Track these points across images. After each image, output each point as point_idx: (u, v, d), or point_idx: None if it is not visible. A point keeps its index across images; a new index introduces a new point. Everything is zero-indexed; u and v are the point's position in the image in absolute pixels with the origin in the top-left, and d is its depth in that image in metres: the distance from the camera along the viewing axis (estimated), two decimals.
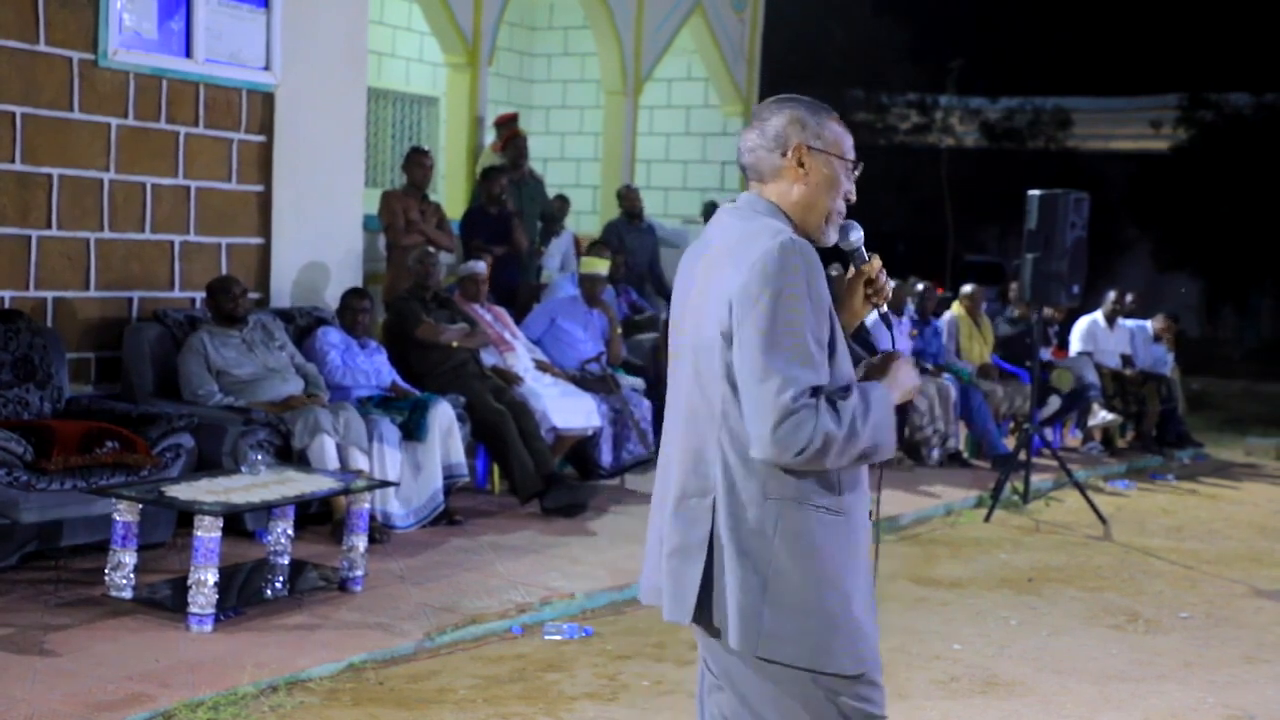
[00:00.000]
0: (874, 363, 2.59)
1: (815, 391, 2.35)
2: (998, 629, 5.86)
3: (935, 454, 10.05)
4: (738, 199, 2.58)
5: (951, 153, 27.04)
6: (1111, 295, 12.04)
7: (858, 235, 2.64)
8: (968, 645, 5.60)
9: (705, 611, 2.46)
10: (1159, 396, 11.80)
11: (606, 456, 8.11)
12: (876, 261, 2.69)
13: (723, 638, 2.45)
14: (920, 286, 11.08)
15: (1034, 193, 8.60)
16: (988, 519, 8.35)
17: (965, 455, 10.39)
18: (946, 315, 11.19)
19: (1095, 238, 8.84)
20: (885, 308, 2.76)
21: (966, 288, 11.45)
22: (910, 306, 10.94)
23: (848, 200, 2.60)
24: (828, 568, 2.41)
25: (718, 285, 2.43)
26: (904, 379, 2.55)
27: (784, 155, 2.53)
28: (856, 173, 2.60)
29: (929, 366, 10.55)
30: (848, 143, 2.58)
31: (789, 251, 2.38)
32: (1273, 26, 26.21)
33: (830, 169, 2.54)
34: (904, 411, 9.97)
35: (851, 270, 2.72)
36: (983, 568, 7.04)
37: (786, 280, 2.36)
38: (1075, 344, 11.92)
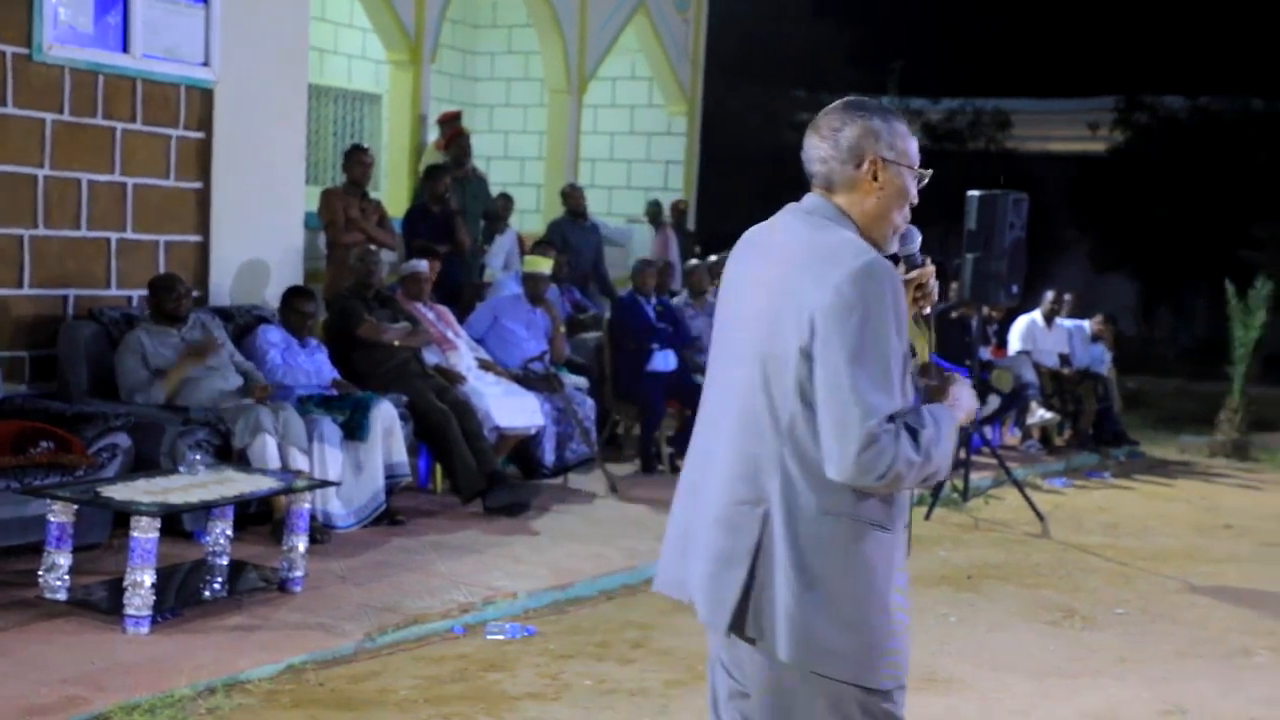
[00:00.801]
0: (935, 385, 2.61)
1: (892, 417, 2.36)
2: (937, 626, 5.91)
3: None
4: (804, 201, 2.57)
5: None
6: (1050, 295, 12.18)
7: (917, 241, 2.67)
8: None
9: (741, 618, 2.44)
10: (1096, 395, 11.96)
11: (549, 456, 8.10)
12: (930, 268, 2.70)
13: (762, 646, 2.43)
14: None
15: (973, 193, 8.69)
16: (928, 517, 8.42)
17: None
18: None
19: (1034, 238, 8.94)
20: (928, 309, 2.78)
21: None
22: None
23: (911, 206, 2.60)
24: (876, 583, 2.42)
25: (798, 298, 2.40)
26: (966, 402, 2.59)
27: (858, 167, 2.51)
28: (924, 181, 2.60)
29: None
30: (915, 150, 2.57)
31: (877, 273, 2.37)
32: (1207, 31, 26.64)
33: (901, 179, 2.54)
34: None
35: (903, 273, 2.68)
36: (922, 565, 7.09)
37: (874, 303, 2.35)
38: (1014, 343, 12.05)
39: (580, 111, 13.36)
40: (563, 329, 8.95)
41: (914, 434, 2.37)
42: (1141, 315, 26.30)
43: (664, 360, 9.09)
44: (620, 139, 14.99)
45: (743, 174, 23.24)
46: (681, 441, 9.15)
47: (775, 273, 2.47)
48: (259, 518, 6.46)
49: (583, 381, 8.80)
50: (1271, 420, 14.43)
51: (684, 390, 9.09)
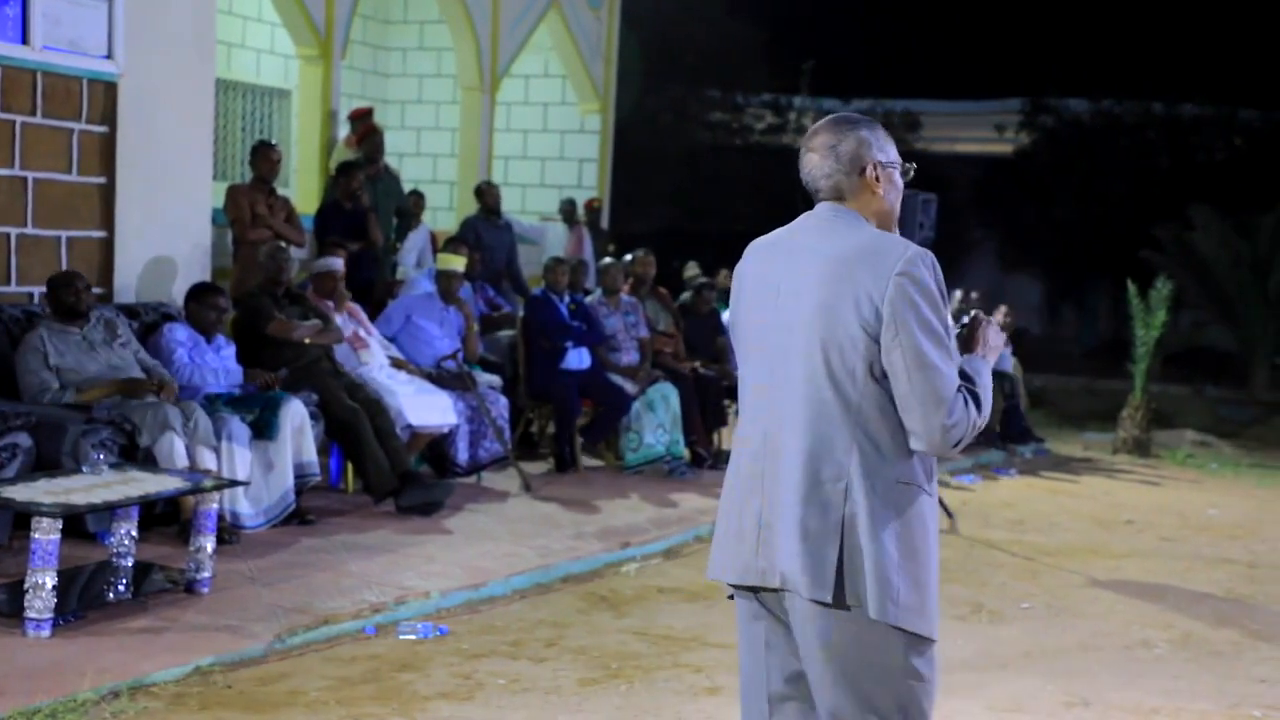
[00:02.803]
0: (962, 333, 2.86)
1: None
2: None
3: None
4: (821, 211, 2.82)
5: None
6: (958, 294, 12.36)
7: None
8: None
9: (841, 589, 2.66)
10: (1002, 393, 12.17)
11: (463, 454, 8.06)
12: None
13: (855, 610, 2.65)
14: None
15: None
16: None
17: None
18: None
19: (943, 238, 9.06)
20: None
21: None
22: None
23: None
24: (930, 543, 2.72)
25: (856, 289, 2.65)
26: (993, 340, 2.87)
27: (861, 175, 2.79)
28: (910, 175, 2.90)
29: None
30: (895, 149, 2.86)
31: (927, 259, 2.67)
32: (1109, 36, 27.21)
33: (895, 178, 2.84)
34: None
35: None
36: None
37: (931, 285, 2.65)
38: None
39: (493, 109, 13.31)
40: (476, 327, 8.91)
41: (974, 396, 2.71)
42: (1047, 314, 26.82)
43: (578, 358, 9.09)
44: (534, 137, 14.96)
45: (656, 173, 23.29)
46: (591, 433, 9.16)
47: (824, 271, 2.71)
48: (165, 518, 6.36)
49: (496, 380, 8.77)
50: (1172, 418, 14.80)
51: (597, 388, 9.10)
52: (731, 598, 2.89)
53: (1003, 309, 13.09)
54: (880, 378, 2.66)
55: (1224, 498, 10.63)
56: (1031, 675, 5.38)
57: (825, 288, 2.69)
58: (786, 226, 2.89)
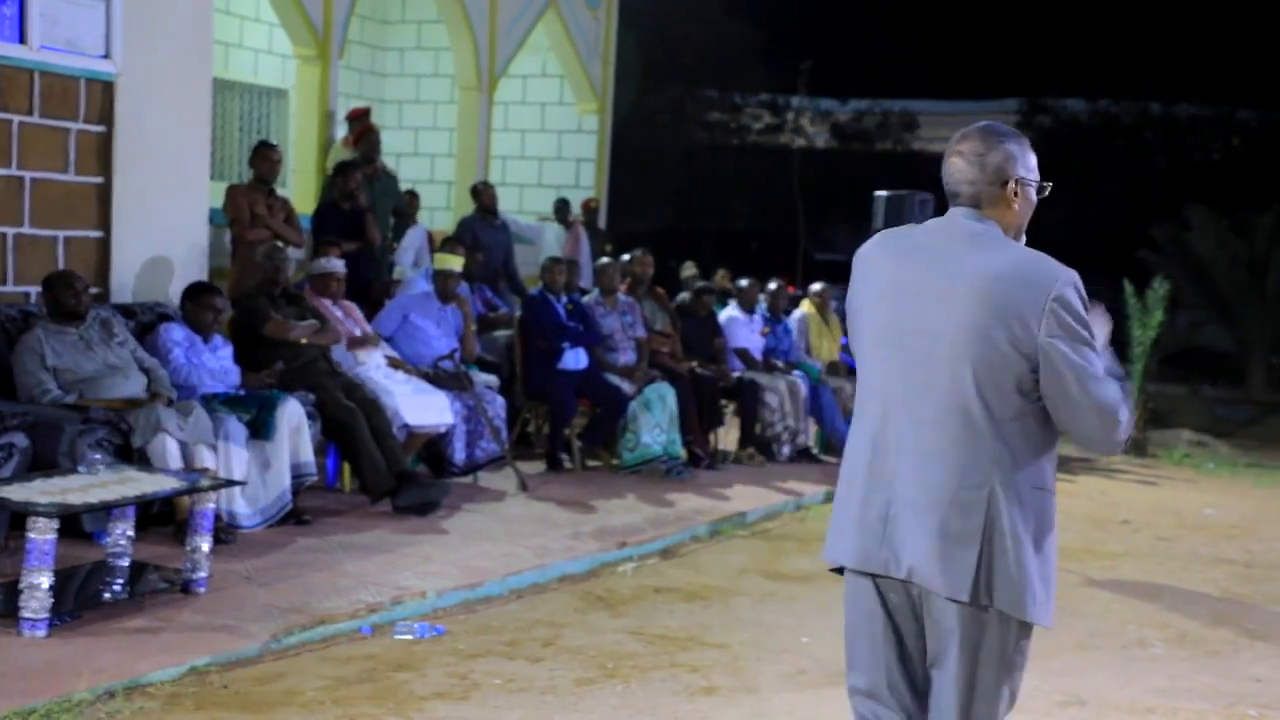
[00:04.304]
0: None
1: None
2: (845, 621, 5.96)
3: (786, 450, 10.20)
4: (959, 217, 2.92)
5: (803, 153, 27.49)
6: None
7: None
8: (816, 638, 5.70)
9: (978, 588, 2.82)
10: None
11: (459, 454, 8.06)
12: None
13: (990, 608, 2.82)
14: (772, 285, 11.24)
15: (880, 193, 8.79)
16: None
17: (815, 451, 10.57)
18: (797, 313, 11.37)
19: None
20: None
21: (815, 286, 11.66)
22: (762, 305, 11.09)
23: None
24: (1055, 541, 2.90)
25: (1012, 307, 2.77)
26: (1103, 329, 2.96)
27: (1003, 187, 2.90)
28: (1046, 192, 2.98)
29: (780, 364, 10.71)
30: (1036, 163, 2.96)
31: (1077, 280, 2.80)
32: (1106, 37, 27.22)
33: (1030, 193, 2.94)
34: (755, 408, 10.11)
35: None
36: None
37: (1081, 304, 2.79)
38: None
39: (491, 109, 13.31)
40: (473, 327, 8.91)
41: (1120, 390, 2.85)
42: None
43: (574, 359, 9.09)
44: (531, 137, 14.96)
45: (654, 173, 23.30)
46: (590, 437, 9.17)
47: (977, 285, 2.80)
48: (162, 518, 6.35)
49: (493, 380, 8.76)
50: (1168, 417, 14.80)
51: (594, 388, 9.10)
52: (840, 571, 3.06)
53: None
54: (1026, 392, 2.81)
55: (1221, 497, 10.64)
56: (1028, 674, 5.36)
57: (979, 304, 2.79)
58: (921, 226, 3.00)
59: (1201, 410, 16.57)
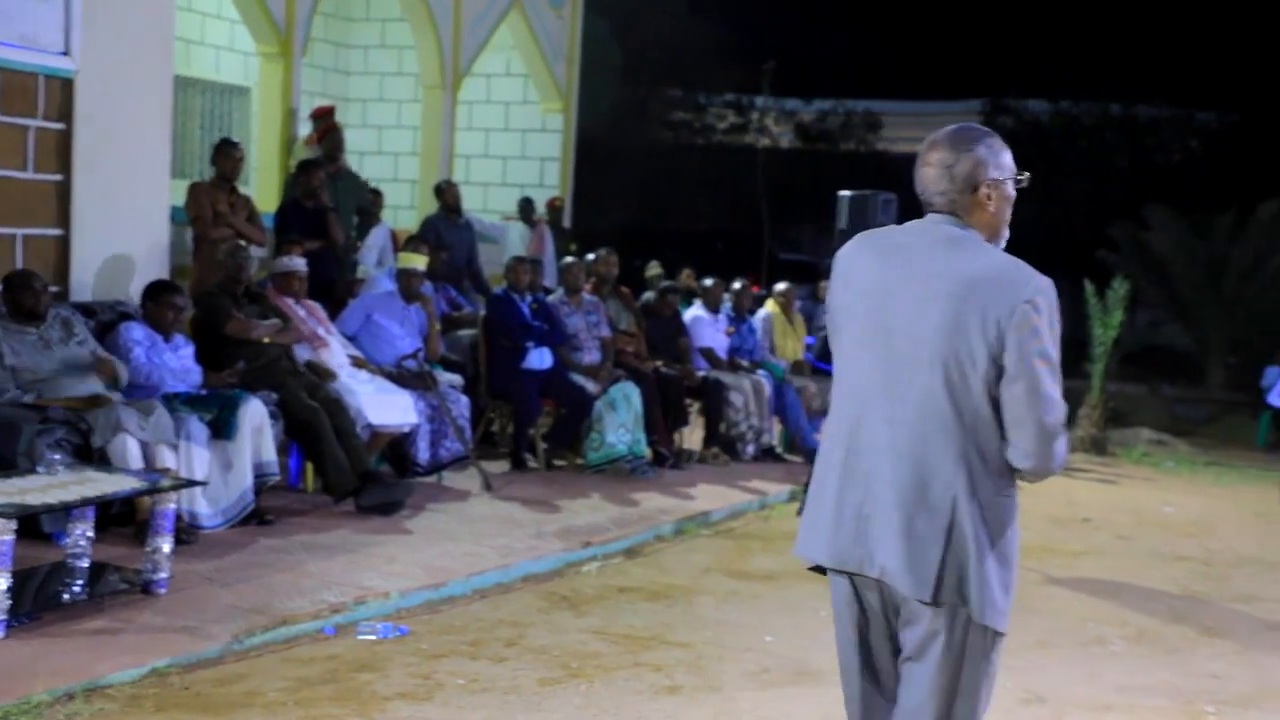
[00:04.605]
0: None
1: None
2: (809, 620, 5.99)
3: (750, 449, 10.23)
4: (937, 222, 2.94)
5: (767, 153, 27.56)
6: None
7: (1003, 243, 3.05)
8: (780, 636, 5.72)
9: (939, 589, 2.85)
10: None
11: (423, 454, 8.04)
12: None
13: (951, 609, 2.85)
14: (737, 285, 11.26)
15: (844, 193, 8.83)
16: (800, 512, 8.52)
17: (779, 450, 10.60)
18: (761, 313, 11.40)
19: None
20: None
21: (780, 286, 11.69)
22: (727, 304, 11.11)
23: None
24: (1017, 546, 2.93)
25: (982, 313, 2.79)
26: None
27: (975, 193, 2.92)
28: (1023, 182, 3.00)
29: (744, 363, 10.74)
30: (1011, 158, 2.97)
31: (1050, 290, 2.82)
32: (1067, 38, 27.42)
33: (1006, 189, 2.96)
34: (719, 407, 10.13)
35: None
36: (794, 560, 7.18)
37: (1053, 316, 2.82)
38: None
39: (455, 107, 13.27)
40: (438, 326, 8.88)
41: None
42: None
43: (539, 358, 9.08)
44: (495, 135, 14.93)
45: (618, 172, 23.29)
46: (555, 437, 9.16)
47: (953, 290, 2.83)
48: (122, 518, 6.31)
49: (457, 379, 8.74)
50: (1128, 416, 14.94)
51: (559, 388, 9.10)
52: (822, 572, 3.09)
53: None
54: (993, 396, 2.82)
55: (1179, 495, 10.75)
56: None
57: (953, 307, 2.82)
58: (901, 228, 3.01)
59: (1161, 409, 16.73)
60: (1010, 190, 2.96)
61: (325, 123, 10.38)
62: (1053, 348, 2.81)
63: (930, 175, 2.94)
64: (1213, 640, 6.16)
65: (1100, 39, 26.91)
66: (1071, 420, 13.17)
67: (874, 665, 3.05)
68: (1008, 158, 2.96)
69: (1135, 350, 16.90)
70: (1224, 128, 26.20)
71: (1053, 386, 2.80)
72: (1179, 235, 18.99)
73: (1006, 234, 3.01)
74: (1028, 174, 3.00)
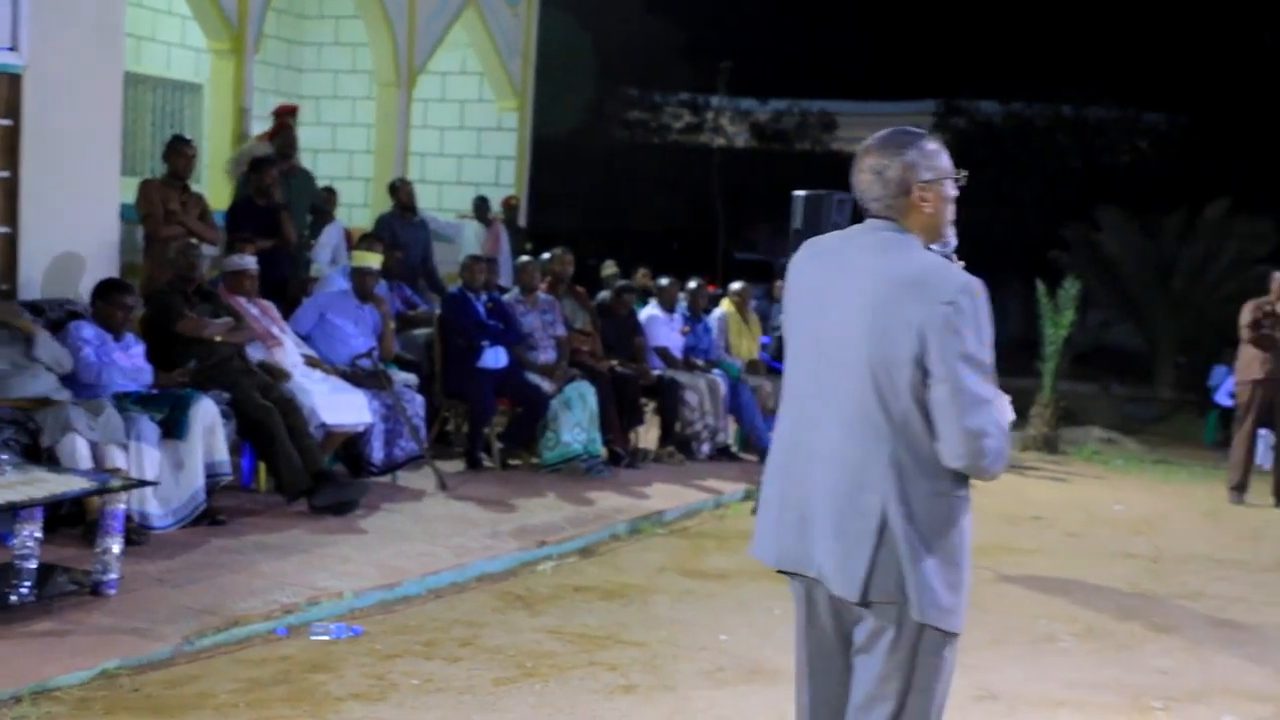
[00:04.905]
0: None
1: None
2: (763, 618, 6.01)
3: (705, 448, 10.25)
4: (874, 227, 2.96)
5: (723, 152, 27.63)
6: None
7: (953, 244, 3.06)
8: (734, 635, 5.74)
9: (868, 589, 2.86)
10: None
11: (378, 453, 7.99)
12: (959, 265, 3.04)
13: (886, 609, 2.86)
14: (692, 284, 11.28)
15: (799, 193, 8.86)
16: (755, 511, 8.56)
17: (734, 449, 10.63)
18: (717, 312, 11.43)
19: None
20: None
21: (735, 285, 11.72)
22: (682, 304, 11.13)
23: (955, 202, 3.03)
24: (966, 545, 2.92)
25: (905, 313, 2.80)
26: (1005, 411, 2.95)
27: (907, 196, 2.93)
28: (961, 181, 3.00)
29: (700, 362, 10.76)
30: (947, 159, 2.98)
31: (975, 289, 2.82)
32: (1020, 40, 27.65)
33: (943, 189, 2.96)
34: (675, 406, 10.15)
35: None
36: (749, 559, 7.17)
37: (978, 316, 2.81)
38: None
39: (409, 105, 13.23)
40: (392, 325, 8.83)
41: (1002, 425, 2.87)
42: None
43: (494, 357, 9.06)
44: (450, 134, 14.89)
45: (574, 171, 23.27)
46: (510, 436, 9.14)
47: (878, 292, 2.85)
48: (71, 519, 6.23)
49: (412, 378, 8.70)
50: (1079, 415, 15.09)
51: (514, 387, 9.08)
52: (783, 573, 3.09)
53: None
54: (920, 398, 2.82)
55: (1129, 493, 10.87)
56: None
57: (878, 309, 2.84)
58: (842, 233, 3.05)
59: (1111, 408, 16.92)
60: (948, 191, 2.97)
61: (279, 120, 10.32)
62: (978, 348, 2.80)
63: (864, 181, 2.96)
64: (1160, 636, 6.23)
65: (1051, 41, 27.16)
66: (1024, 419, 13.29)
67: (827, 663, 3.07)
68: (943, 159, 2.96)
69: (1086, 350, 17.08)
70: (1172, 129, 26.52)
71: (979, 386, 2.79)
72: (1129, 236, 19.21)
73: (951, 235, 3.01)
74: (965, 172, 3.01)
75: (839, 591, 2.90)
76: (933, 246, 3.00)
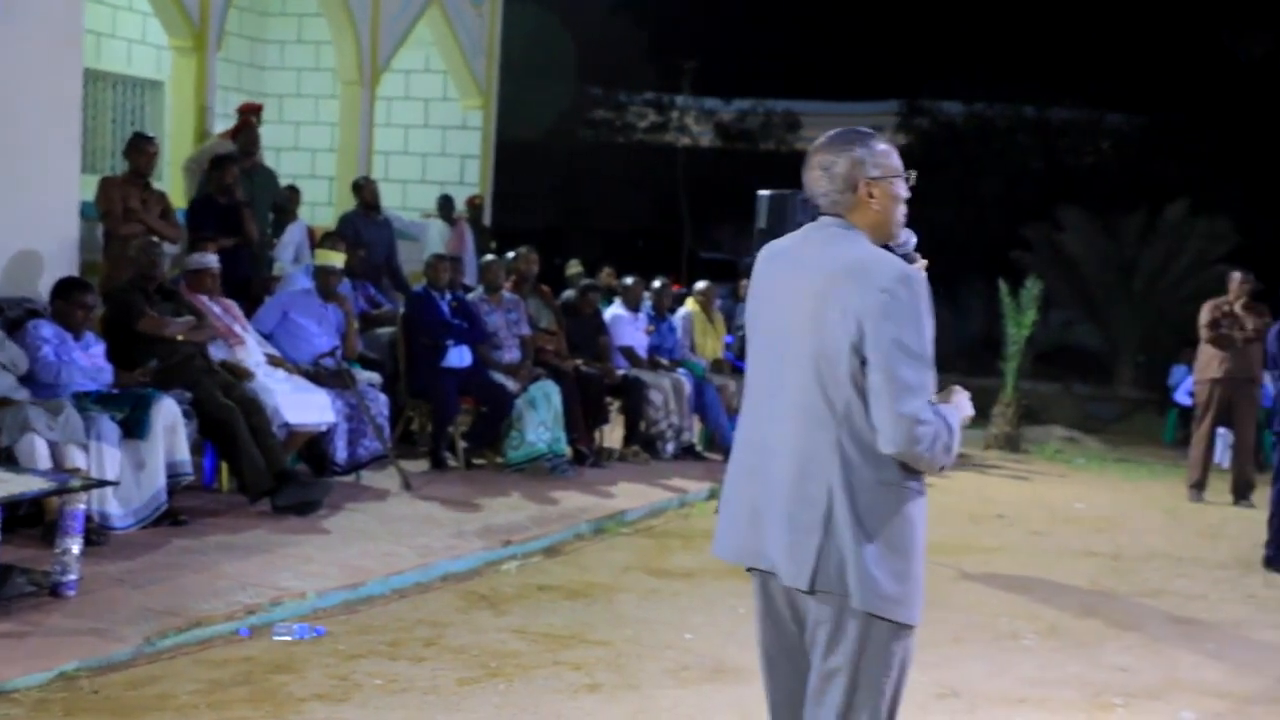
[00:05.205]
0: (941, 395, 3.03)
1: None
2: (727, 617, 6.03)
3: (670, 448, 10.26)
4: (823, 223, 3.01)
5: (688, 152, 27.68)
6: None
7: (912, 241, 3.15)
8: (698, 634, 5.74)
9: (816, 577, 2.90)
10: None
11: (341, 453, 7.96)
12: (924, 262, 3.14)
13: (833, 598, 2.90)
14: (657, 283, 11.29)
15: (763, 193, 8.88)
16: (719, 510, 8.56)
17: (699, 448, 10.64)
18: (681, 311, 11.44)
19: None
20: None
21: (700, 285, 11.74)
22: (647, 303, 11.13)
23: (906, 201, 3.06)
24: (916, 536, 2.92)
25: (843, 303, 2.85)
26: (965, 407, 3.05)
27: (855, 192, 2.98)
28: (911, 180, 3.05)
29: (664, 361, 10.76)
30: (896, 158, 3.03)
31: (912, 279, 2.85)
32: (983, 41, 27.82)
33: (892, 188, 3.01)
34: (639, 406, 10.15)
35: None
36: (713, 558, 7.20)
37: (915, 304, 2.84)
38: None
39: (373, 104, 13.16)
40: (355, 324, 8.79)
41: (944, 415, 2.88)
42: None
43: (459, 356, 9.03)
44: (415, 132, 14.82)
45: (539, 170, 23.24)
46: (474, 435, 9.12)
47: (817, 284, 2.91)
48: (30, 519, 6.17)
49: (376, 377, 8.67)
50: (1041, 414, 15.20)
51: (478, 386, 9.06)
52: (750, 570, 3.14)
53: None
54: (861, 387, 2.86)
55: (1090, 492, 10.96)
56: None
57: (817, 300, 2.89)
58: (796, 232, 3.08)
59: (1072, 407, 17.06)
60: (898, 190, 3.01)
61: (241, 118, 10.25)
62: (914, 337, 2.83)
63: (814, 178, 3.01)
64: (1121, 634, 6.28)
65: (1014, 42, 27.34)
66: (986, 418, 13.38)
67: (788, 655, 3.10)
68: (893, 159, 3.01)
69: (1048, 349, 17.21)
70: (1133, 130, 26.74)
71: (912, 373, 2.81)
72: (1091, 236, 19.36)
73: (901, 234, 3.06)
74: (915, 173, 3.06)
75: (789, 581, 2.95)
76: (893, 247, 3.04)
